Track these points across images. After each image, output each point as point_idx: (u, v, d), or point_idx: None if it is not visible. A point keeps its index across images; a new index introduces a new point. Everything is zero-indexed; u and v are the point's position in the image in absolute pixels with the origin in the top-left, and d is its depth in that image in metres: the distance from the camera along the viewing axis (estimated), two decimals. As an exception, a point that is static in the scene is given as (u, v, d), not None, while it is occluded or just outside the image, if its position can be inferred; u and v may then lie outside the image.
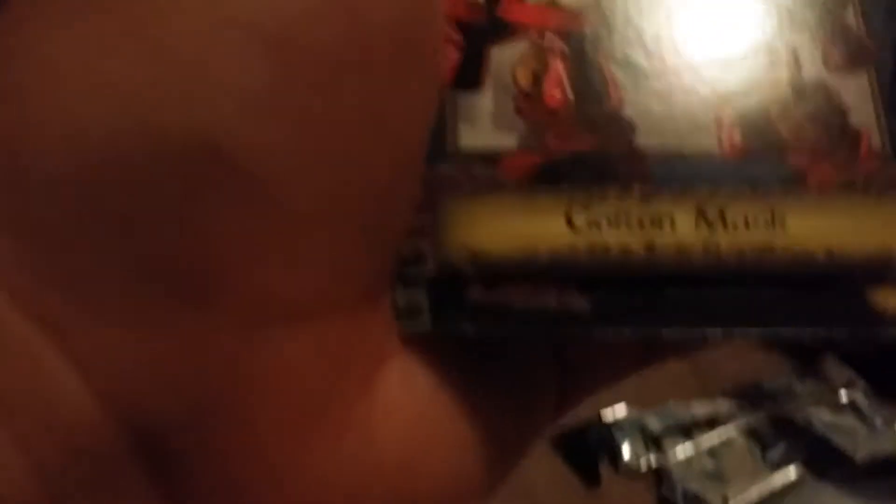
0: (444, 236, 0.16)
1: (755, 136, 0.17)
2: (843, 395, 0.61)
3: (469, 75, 0.17)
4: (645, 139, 0.17)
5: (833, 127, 0.17)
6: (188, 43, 0.13)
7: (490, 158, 0.16)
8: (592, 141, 0.17)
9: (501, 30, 0.17)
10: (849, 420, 0.59)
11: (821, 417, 0.59)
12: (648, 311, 0.16)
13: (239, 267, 0.14)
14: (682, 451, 0.59)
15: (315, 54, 0.14)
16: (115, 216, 0.13)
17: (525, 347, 0.18)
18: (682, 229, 0.16)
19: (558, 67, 0.17)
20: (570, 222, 0.16)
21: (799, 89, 0.17)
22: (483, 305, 0.16)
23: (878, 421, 0.59)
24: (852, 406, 0.60)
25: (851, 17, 0.18)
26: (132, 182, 0.13)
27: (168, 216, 0.13)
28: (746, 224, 0.16)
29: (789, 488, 0.57)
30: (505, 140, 0.17)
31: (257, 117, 0.13)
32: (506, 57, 0.17)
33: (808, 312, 0.16)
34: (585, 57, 0.17)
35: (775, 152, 0.17)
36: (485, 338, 0.16)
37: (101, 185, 0.13)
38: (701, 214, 0.16)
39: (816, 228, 0.16)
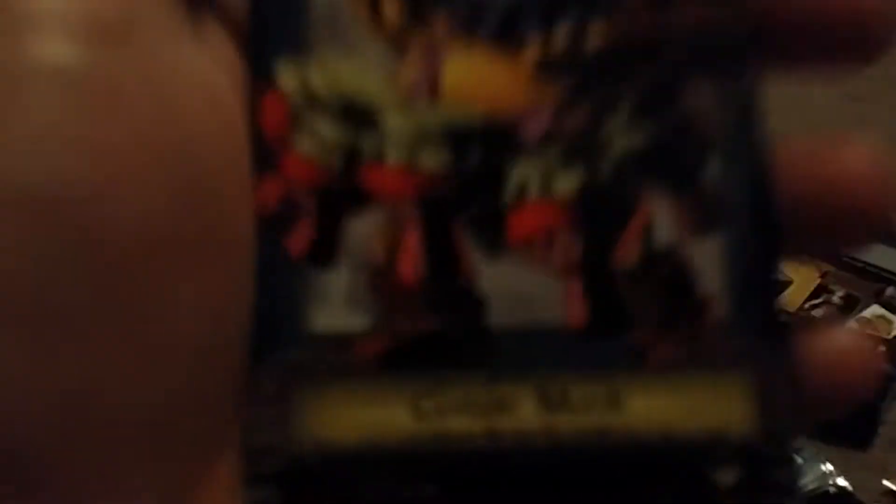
0: (294, 428, 0.17)
1: (601, 309, 0.17)
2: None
3: (322, 251, 0.17)
4: (495, 316, 0.17)
5: (679, 299, 0.17)
6: None
7: (341, 342, 0.17)
8: (443, 320, 0.17)
9: (357, 197, 0.17)
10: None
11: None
12: (493, 497, 0.17)
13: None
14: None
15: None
16: None
17: None
18: (524, 414, 0.17)
19: (413, 240, 0.17)
20: (415, 410, 0.17)
21: (649, 259, 0.17)
22: (333, 497, 0.16)
23: (803, 458, 0.62)
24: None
25: (709, 175, 0.18)
26: None
27: None
28: (586, 406, 0.17)
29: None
30: (356, 322, 0.17)
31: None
32: (360, 229, 0.17)
33: (648, 494, 0.17)
34: (441, 226, 0.17)
35: (620, 327, 0.17)
36: None
37: None
38: (543, 398, 0.17)
39: (654, 409, 0.17)
